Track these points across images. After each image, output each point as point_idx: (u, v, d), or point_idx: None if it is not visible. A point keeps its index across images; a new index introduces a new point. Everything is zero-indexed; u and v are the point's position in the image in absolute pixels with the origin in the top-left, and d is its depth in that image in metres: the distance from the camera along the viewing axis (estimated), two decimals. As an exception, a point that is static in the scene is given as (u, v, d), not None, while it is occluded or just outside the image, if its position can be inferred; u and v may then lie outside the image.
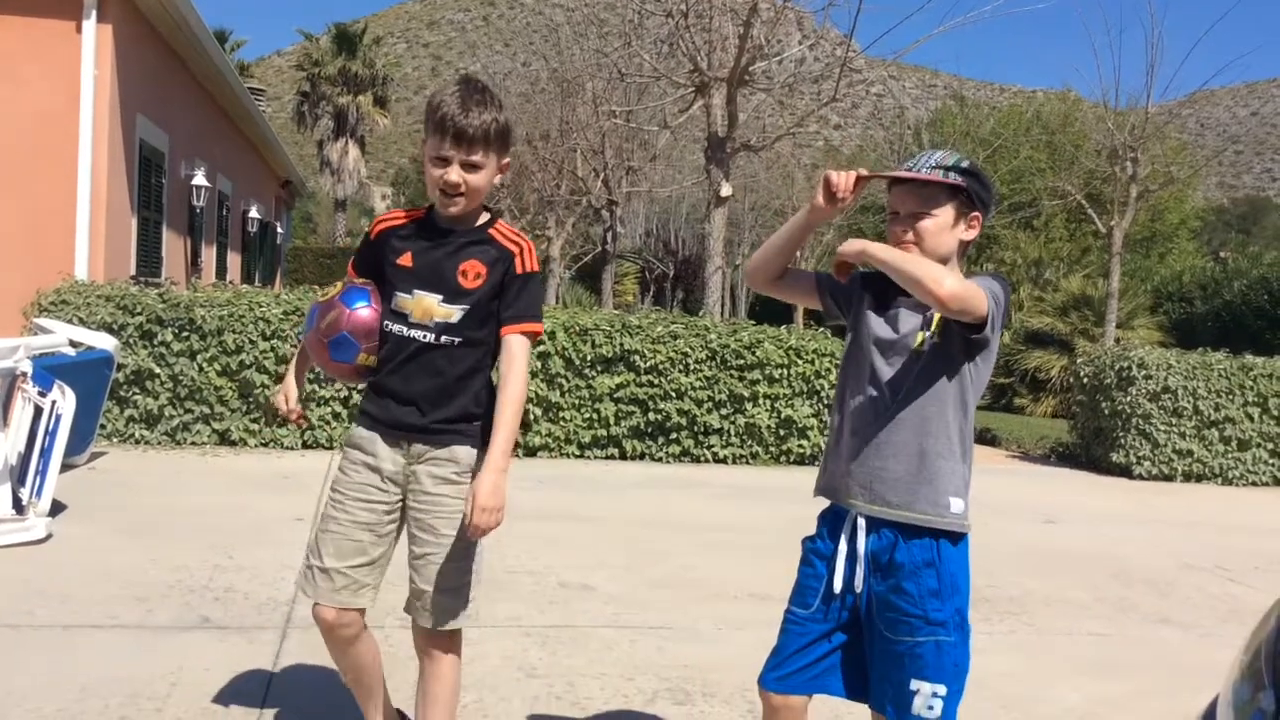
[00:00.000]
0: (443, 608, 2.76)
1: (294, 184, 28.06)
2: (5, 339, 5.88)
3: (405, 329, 2.63)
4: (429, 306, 2.61)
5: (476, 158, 2.53)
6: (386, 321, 2.65)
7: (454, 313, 2.61)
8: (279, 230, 27.90)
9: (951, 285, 2.17)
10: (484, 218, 2.69)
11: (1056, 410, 17.53)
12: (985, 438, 13.29)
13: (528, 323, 2.66)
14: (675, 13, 12.22)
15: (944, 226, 2.38)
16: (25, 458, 5.85)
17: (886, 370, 2.40)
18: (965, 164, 2.40)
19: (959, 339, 2.34)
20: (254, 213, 21.18)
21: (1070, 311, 19.27)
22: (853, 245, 2.34)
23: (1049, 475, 11.00)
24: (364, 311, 2.67)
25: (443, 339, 2.62)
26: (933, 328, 2.37)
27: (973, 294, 2.21)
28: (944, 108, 37.83)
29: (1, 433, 5.82)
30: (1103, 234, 18.81)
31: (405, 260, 2.65)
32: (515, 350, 2.63)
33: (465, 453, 2.67)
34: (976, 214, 2.42)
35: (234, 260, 19.66)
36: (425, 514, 2.69)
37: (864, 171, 2.36)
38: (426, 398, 2.64)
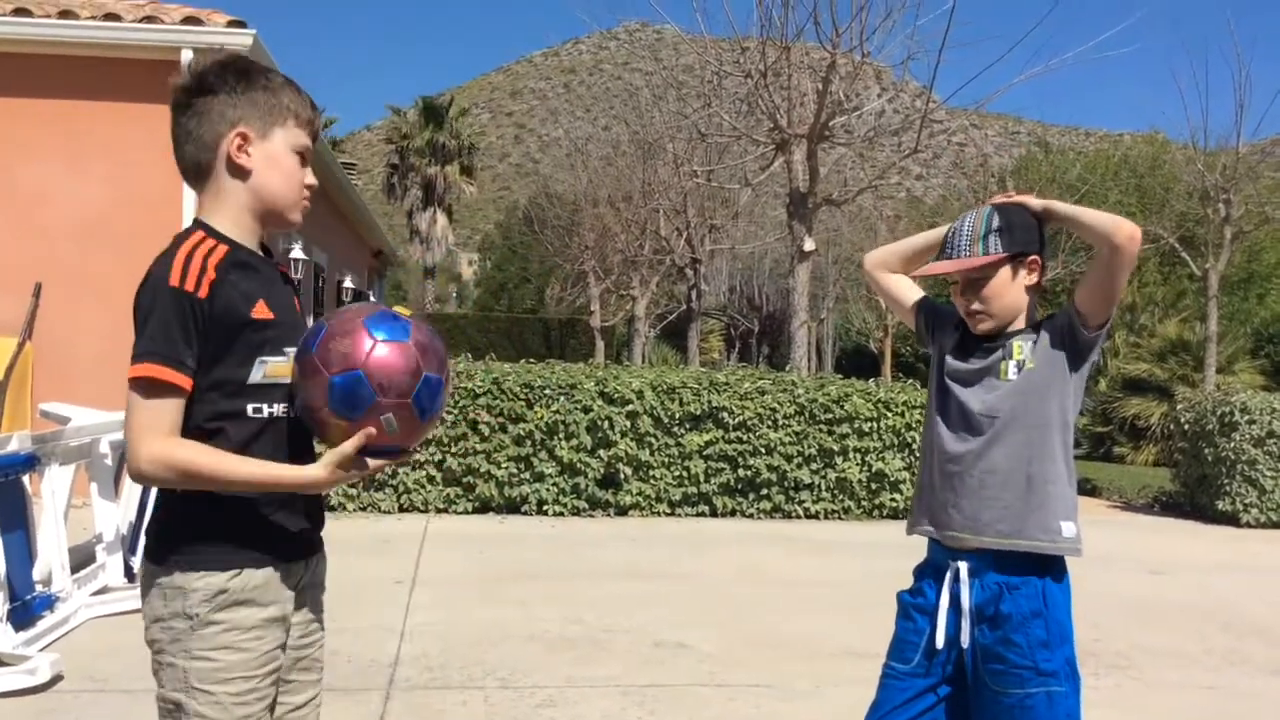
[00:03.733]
0: None
1: (385, 253, 28.78)
2: (115, 413, 6.14)
3: (282, 406, 1.93)
4: (292, 365, 1.93)
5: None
6: (252, 404, 1.90)
7: None
8: (372, 299, 28.60)
9: (1132, 228, 2.27)
10: None
11: (1158, 458, 17.04)
12: (1085, 488, 12.97)
13: None
14: (754, 72, 12.37)
15: (1005, 285, 2.41)
16: (136, 527, 6.08)
17: (979, 404, 2.41)
18: (997, 221, 2.41)
19: (1072, 343, 2.37)
20: (348, 283, 21.76)
21: (1168, 357, 18.79)
22: (1035, 203, 2.45)
23: (1153, 525, 10.70)
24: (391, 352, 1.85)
25: None
26: (1016, 355, 2.39)
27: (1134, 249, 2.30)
28: (1028, 155, 37.48)
29: (114, 503, 6.06)
30: (1198, 277, 18.41)
31: (261, 310, 1.93)
32: None
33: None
34: (1032, 257, 2.43)
35: (329, 329, 20.17)
36: (310, 647, 2.09)
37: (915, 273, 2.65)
38: (320, 495, 2.08)
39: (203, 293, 1.83)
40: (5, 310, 8.52)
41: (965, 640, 2.37)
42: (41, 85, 9.42)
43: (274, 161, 1.97)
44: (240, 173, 1.96)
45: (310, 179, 2.05)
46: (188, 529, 1.89)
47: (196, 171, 1.99)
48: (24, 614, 4.84)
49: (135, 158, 9.34)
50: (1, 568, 4.66)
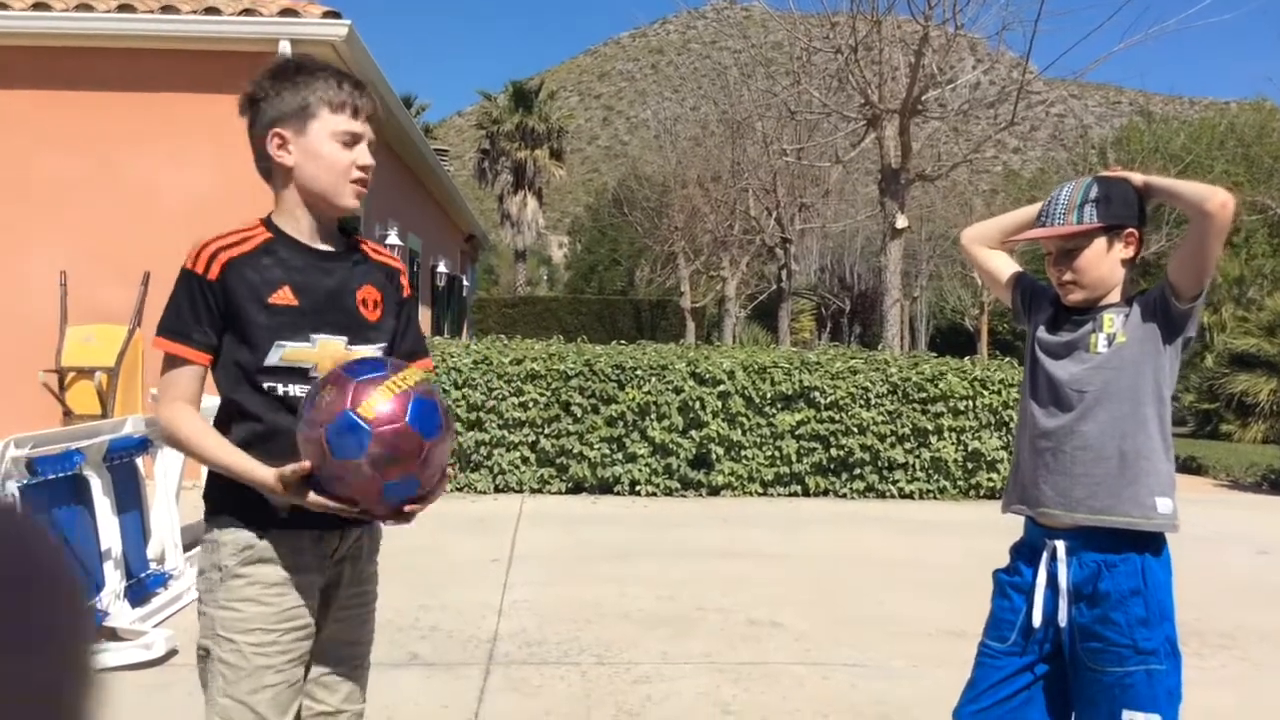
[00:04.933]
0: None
1: (477, 238, 29.13)
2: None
3: (300, 388, 2.01)
4: (336, 352, 2.05)
5: (373, 137, 2.13)
6: (272, 384, 2.01)
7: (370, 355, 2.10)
8: (465, 283, 28.98)
9: (1225, 196, 2.22)
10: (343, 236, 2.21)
11: (1267, 436, 16.50)
12: (1191, 466, 12.64)
13: (424, 359, 2.25)
14: (844, 47, 12.23)
15: (1100, 256, 2.37)
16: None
17: (1067, 377, 2.38)
18: (1095, 192, 2.37)
19: (1165, 316, 2.33)
20: (442, 267, 22.09)
21: (1277, 331, 18.15)
22: (1136, 177, 2.42)
23: (1261, 504, 10.37)
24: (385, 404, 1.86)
25: None
26: (1107, 328, 2.36)
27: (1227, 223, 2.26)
28: (1130, 124, 36.40)
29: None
30: (1311, 247, 17.72)
31: (284, 297, 2.03)
32: None
33: (378, 531, 2.25)
34: (1130, 230, 2.39)
35: (424, 314, 20.56)
36: (353, 617, 2.20)
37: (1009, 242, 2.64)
38: None
39: (212, 275, 1.99)
40: (117, 299, 8.84)
41: (1063, 619, 2.34)
42: (146, 78, 9.72)
43: (312, 154, 2.06)
44: (286, 171, 2.08)
45: (363, 159, 2.08)
46: (226, 490, 2.02)
47: (265, 177, 2.14)
48: (139, 591, 5.06)
49: (236, 148, 9.55)
50: (118, 546, 4.87)
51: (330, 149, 2.06)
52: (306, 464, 1.88)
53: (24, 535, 0.48)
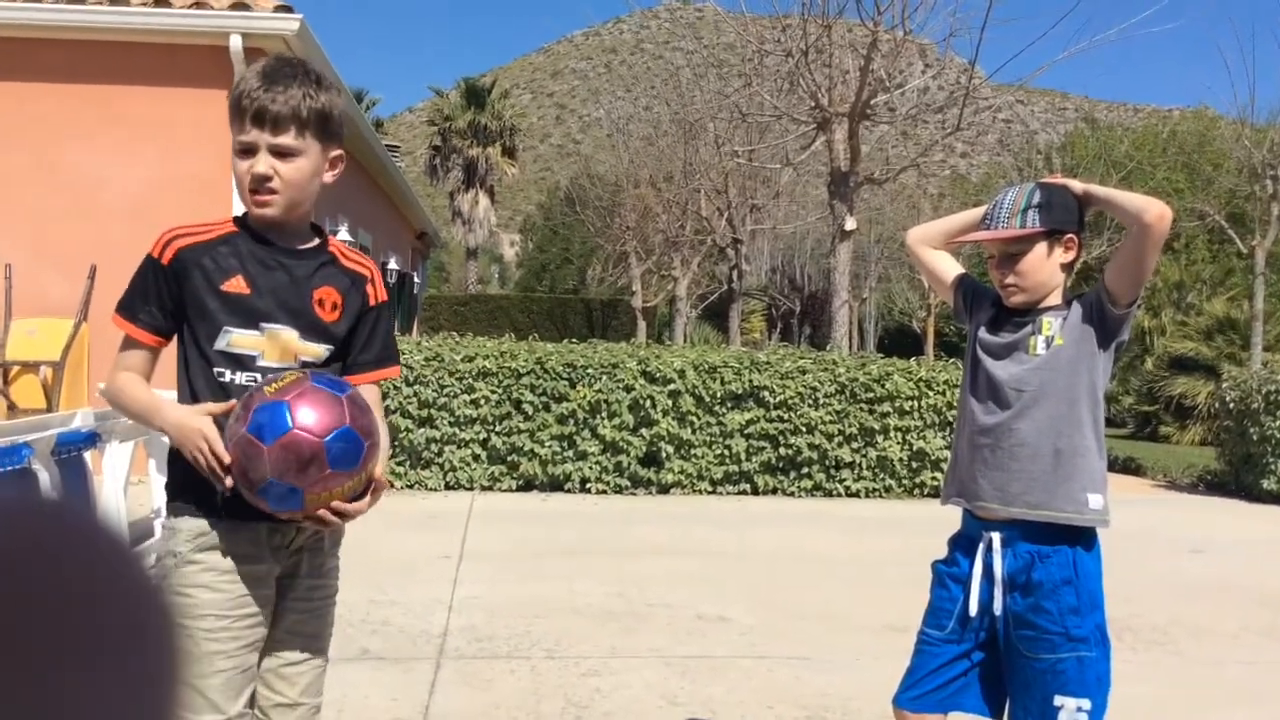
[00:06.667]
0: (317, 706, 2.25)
1: (428, 235, 29.00)
2: (170, 391, 6.31)
3: (259, 376, 2.04)
4: (287, 343, 2.08)
5: (287, 140, 2.03)
6: (221, 370, 2.05)
7: (321, 352, 2.13)
8: (416, 280, 28.84)
9: (1163, 208, 2.33)
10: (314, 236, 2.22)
11: (1204, 438, 16.88)
12: (1130, 467, 12.91)
13: (390, 366, 2.27)
14: (795, 50, 12.36)
15: (1041, 260, 2.46)
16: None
17: (1007, 376, 2.48)
18: (1038, 197, 2.46)
19: (1100, 320, 2.42)
20: (393, 264, 21.96)
21: (1215, 335, 18.59)
22: (1076, 185, 2.51)
23: (1197, 504, 10.64)
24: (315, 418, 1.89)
25: None
26: (1045, 331, 2.45)
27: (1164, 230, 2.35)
28: (1075, 131, 37.00)
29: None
30: (1246, 254, 18.18)
31: (236, 285, 2.06)
32: (375, 402, 2.17)
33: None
34: (1069, 235, 2.48)
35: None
36: (311, 609, 2.20)
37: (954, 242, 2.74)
38: None
39: (165, 259, 2.07)
40: (62, 292, 8.73)
41: (998, 607, 2.44)
42: (93, 70, 9.60)
43: (231, 164, 2.11)
44: None
45: (256, 167, 2.03)
46: (183, 478, 2.07)
47: None
48: (87, 585, 5.01)
49: (184, 141, 9.53)
50: (66, 540, 4.82)
51: (234, 160, 2.07)
52: (230, 404, 1.97)
53: (83, 535, 0.47)
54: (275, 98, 2.01)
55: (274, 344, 2.06)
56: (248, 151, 2.04)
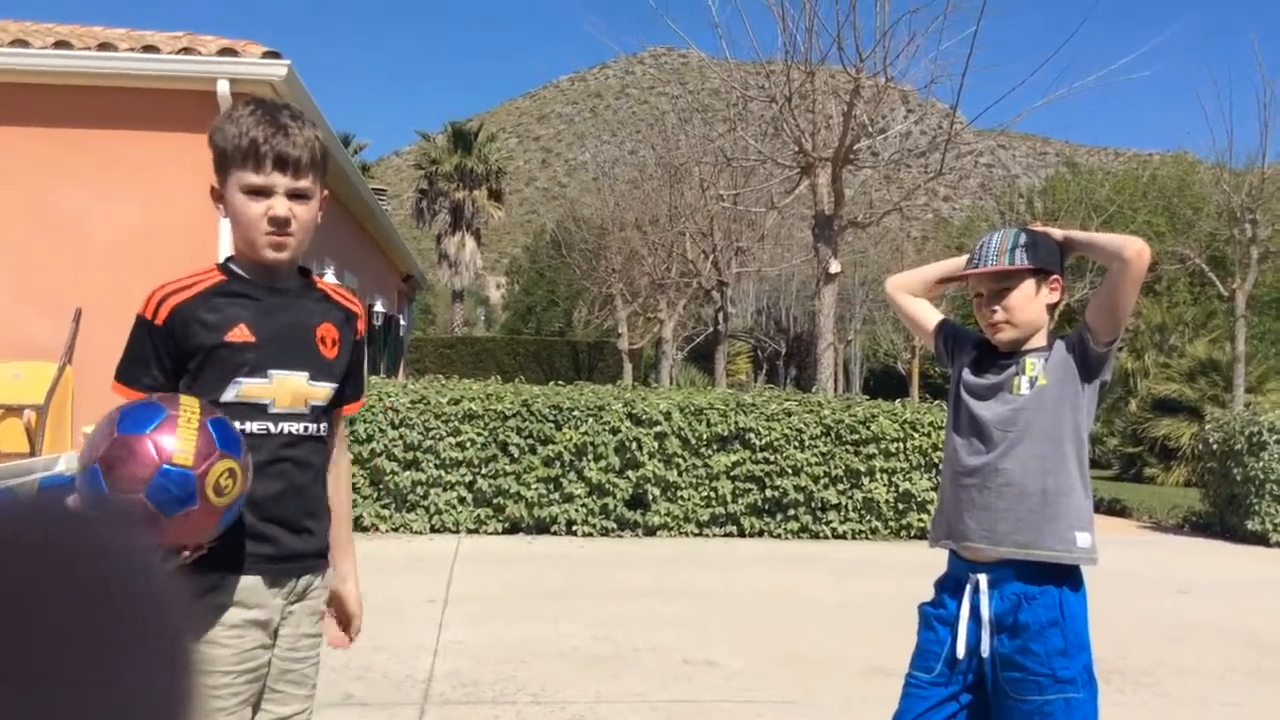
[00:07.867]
0: None
1: (415, 277, 29.02)
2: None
3: (271, 425, 2.04)
4: (297, 388, 2.07)
5: (306, 184, 2.04)
6: (236, 421, 1.96)
7: (326, 393, 2.12)
8: (402, 323, 28.82)
9: (1141, 244, 2.37)
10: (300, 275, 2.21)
11: (1189, 479, 16.94)
12: (1115, 508, 12.94)
13: (361, 398, 2.29)
14: (779, 96, 12.48)
15: (1029, 297, 2.51)
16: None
17: (992, 416, 2.50)
18: (1024, 240, 2.51)
19: (1083, 359, 2.46)
20: (379, 307, 21.96)
21: (1198, 377, 18.72)
22: (1056, 232, 2.56)
23: (1182, 545, 10.66)
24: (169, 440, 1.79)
25: (321, 428, 2.13)
26: (1029, 371, 2.48)
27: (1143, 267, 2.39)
28: (1057, 175, 37.40)
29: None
30: (1226, 297, 18.35)
31: (240, 334, 2.03)
32: (343, 432, 2.23)
33: (329, 574, 2.24)
34: (1054, 277, 2.53)
35: (360, 353, 20.36)
36: (301, 663, 2.16)
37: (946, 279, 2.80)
38: (315, 512, 2.14)
39: (159, 320, 2.02)
40: (47, 335, 8.71)
41: (985, 650, 2.44)
42: (81, 115, 9.64)
43: (232, 207, 2.05)
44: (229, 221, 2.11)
45: (275, 210, 2.01)
46: None
47: None
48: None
49: (170, 186, 9.55)
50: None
51: (240, 201, 2.02)
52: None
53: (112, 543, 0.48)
54: (294, 141, 2.00)
55: (284, 390, 2.05)
56: (260, 194, 2.01)
